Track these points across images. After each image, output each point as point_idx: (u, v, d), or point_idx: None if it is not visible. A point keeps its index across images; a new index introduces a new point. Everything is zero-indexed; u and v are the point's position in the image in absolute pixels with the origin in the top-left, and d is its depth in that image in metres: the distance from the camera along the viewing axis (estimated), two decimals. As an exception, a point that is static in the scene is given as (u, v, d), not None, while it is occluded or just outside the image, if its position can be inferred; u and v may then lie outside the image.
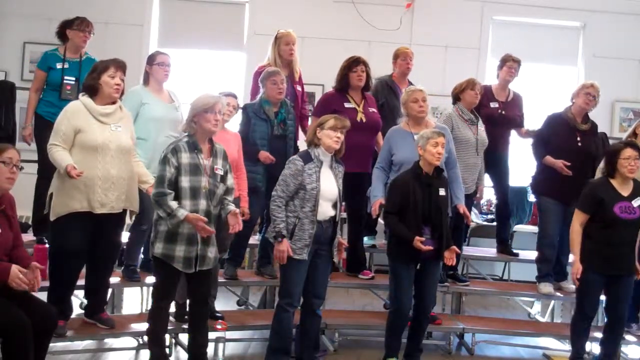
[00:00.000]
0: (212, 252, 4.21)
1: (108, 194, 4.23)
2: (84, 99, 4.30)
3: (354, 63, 5.41)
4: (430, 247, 4.43)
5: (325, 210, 4.44)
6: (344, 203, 5.76)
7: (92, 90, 4.29)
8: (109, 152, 4.23)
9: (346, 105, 5.39)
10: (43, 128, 5.01)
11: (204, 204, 4.12)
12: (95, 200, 4.20)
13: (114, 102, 4.35)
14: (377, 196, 4.96)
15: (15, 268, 3.58)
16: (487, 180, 6.07)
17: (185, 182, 4.07)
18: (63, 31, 5.31)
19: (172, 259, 4.12)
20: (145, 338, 4.75)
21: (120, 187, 4.28)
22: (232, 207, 4.26)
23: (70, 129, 4.20)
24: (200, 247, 4.15)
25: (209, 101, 4.16)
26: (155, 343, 4.29)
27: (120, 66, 4.33)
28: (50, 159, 4.24)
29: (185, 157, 4.09)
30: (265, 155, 5.19)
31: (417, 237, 4.40)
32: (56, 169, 4.25)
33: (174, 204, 4.02)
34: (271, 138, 5.27)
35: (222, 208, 4.25)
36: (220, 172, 4.23)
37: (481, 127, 5.61)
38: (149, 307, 4.45)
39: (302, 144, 4.98)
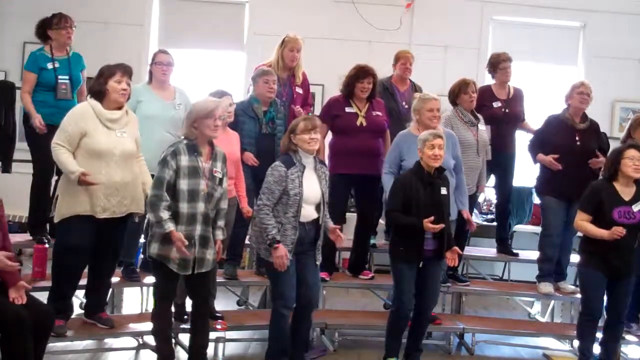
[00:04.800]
0: (210, 254, 4.19)
1: (110, 199, 4.24)
2: (93, 102, 4.28)
3: (362, 74, 5.37)
4: (442, 225, 4.41)
5: (309, 213, 4.41)
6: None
7: (99, 95, 4.28)
8: (113, 157, 4.22)
9: (347, 110, 5.41)
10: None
11: (202, 207, 4.10)
12: (98, 205, 4.21)
13: (120, 107, 4.33)
14: None
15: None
16: (491, 179, 6.07)
17: (183, 184, 4.05)
18: (43, 31, 5.15)
19: (168, 260, 4.10)
20: (145, 338, 4.77)
21: (122, 192, 4.28)
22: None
23: (76, 131, 4.18)
24: (198, 250, 4.13)
25: (208, 106, 4.14)
26: (163, 340, 4.29)
27: (127, 71, 4.33)
28: (55, 159, 4.22)
29: (185, 160, 4.07)
30: (248, 156, 5.15)
31: (426, 220, 4.38)
32: (55, 169, 4.21)
33: (165, 214, 3.99)
34: (259, 137, 5.25)
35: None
36: (219, 175, 4.21)
37: (482, 127, 5.60)
38: (152, 308, 4.45)
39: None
